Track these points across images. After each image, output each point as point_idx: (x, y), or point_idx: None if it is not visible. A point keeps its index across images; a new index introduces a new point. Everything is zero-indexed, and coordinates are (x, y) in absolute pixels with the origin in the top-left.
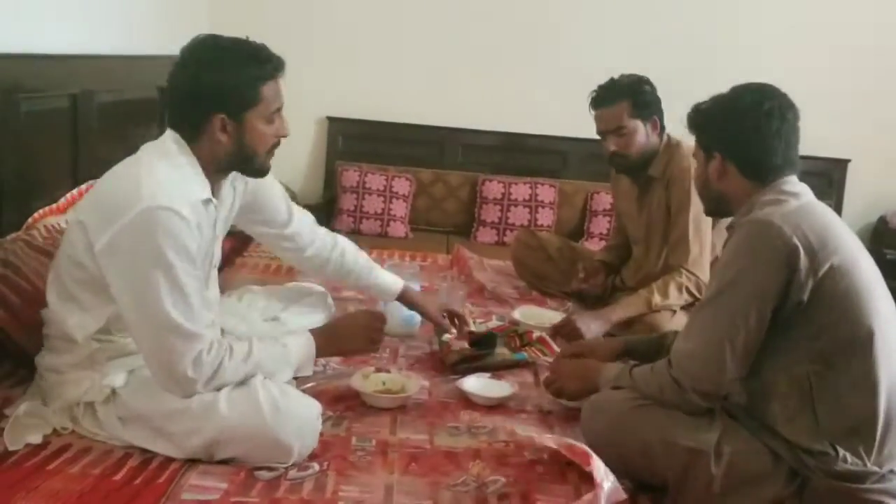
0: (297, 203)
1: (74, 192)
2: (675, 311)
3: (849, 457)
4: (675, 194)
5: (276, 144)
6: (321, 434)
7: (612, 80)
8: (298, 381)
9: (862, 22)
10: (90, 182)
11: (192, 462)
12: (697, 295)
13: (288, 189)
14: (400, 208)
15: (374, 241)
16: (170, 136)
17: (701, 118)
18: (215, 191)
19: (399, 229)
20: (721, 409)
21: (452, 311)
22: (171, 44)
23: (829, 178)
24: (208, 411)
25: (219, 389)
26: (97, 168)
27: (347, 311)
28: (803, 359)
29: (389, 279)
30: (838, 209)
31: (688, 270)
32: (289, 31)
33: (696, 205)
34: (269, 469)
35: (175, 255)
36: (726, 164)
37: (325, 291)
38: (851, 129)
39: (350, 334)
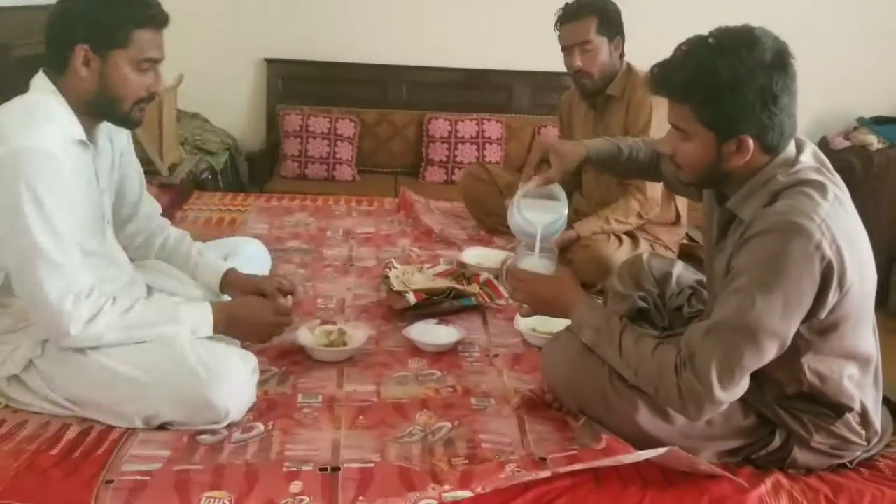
0: (240, 150)
1: None
2: (620, 243)
3: (854, 425)
4: (636, 117)
5: (148, 99)
6: (265, 392)
7: None
8: None
9: None
10: None
11: (132, 430)
12: (646, 218)
13: (229, 136)
14: (346, 151)
15: (321, 185)
16: (39, 76)
17: (716, 97)
18: (90, 137)
19: (346, 172)
20: None
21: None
22: None
23: None
24: (134, 379)
25: (96, 344)
26: None
27: (249, 299)
28: (800, 360)
29: (214, 264)
30: None
31: (643, 194)
32: None
33: (656, 130)
34: (212, 433)
35: (47, 192)
36: (752, 146)
37: (263, 245)
38: (793, 49)
39: (247, 325)
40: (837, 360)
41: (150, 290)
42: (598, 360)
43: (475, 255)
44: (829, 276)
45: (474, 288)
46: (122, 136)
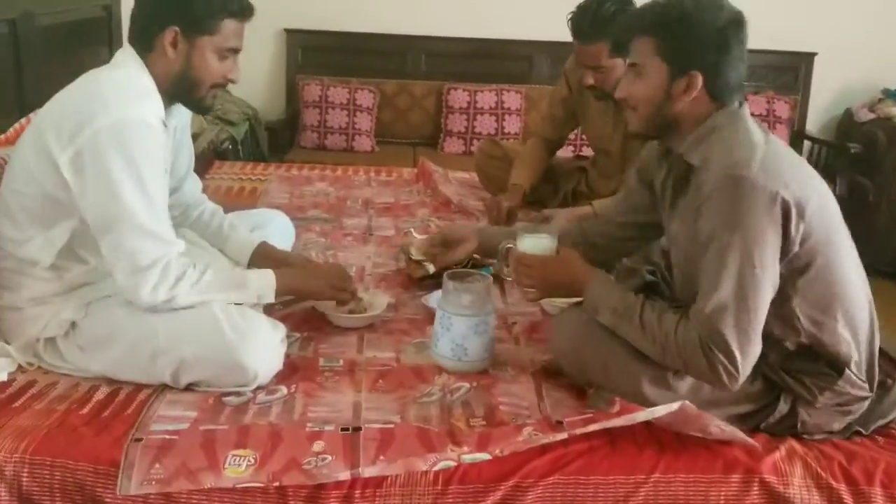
0: (260, 120)
1: (23, 120)
2: None
3: (855, 379)
4: None
5: (222, 86)
6: (288, 356)
7: (595, 6)
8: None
9: None
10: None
11: (159, 391)
12: None
13: (249, 106)
14: (364, 121)
15: (340, 156)
16: (128, 49)
17: (678, 28)
18: (166, 117)
19: (365, 143)
20: None
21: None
22: None
23: (795, 71)
24: (171, 336)
25: (173, 307)
26: (45, 95)
27: (314, 263)
28: (793, 305)
29: (245, 238)
30: (805, 103)
31: None
32: None
33: None
34: (237, 395)
35: (144, 163)
36: (700, 84)
37: (287, 218)
38: (817, 21)
39: (320, 279)
40: (826, 301)
41: None
42: (602, 336)
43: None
44: (786, 210)
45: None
46: (184, 114)
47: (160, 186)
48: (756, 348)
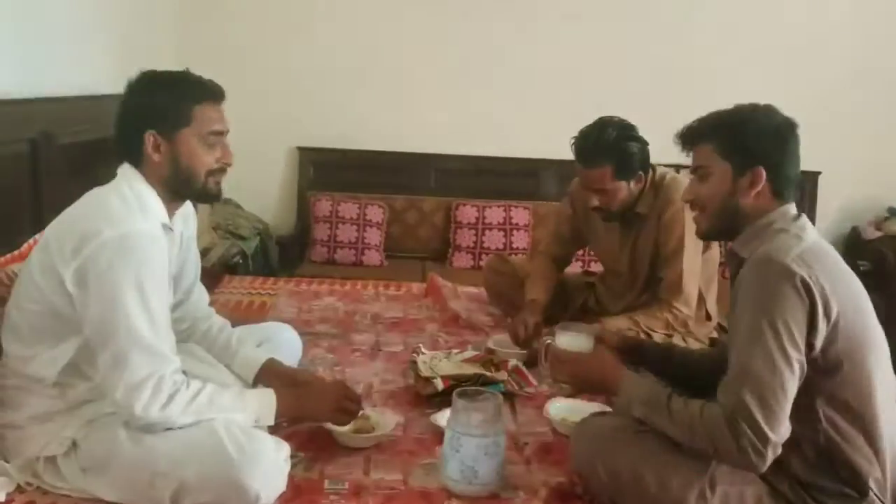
0: (271, 235)
1: (37, 236)
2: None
3: (876, 500)
4: (670, 233)
5: (221, 171)
6: (292, 478)
7: (596, 134)
8: None
9: (826, 42)
10: None
11: None
12: (680, 331)
13: (260, 221)
14: (374, 236)
15: (350, 270)
16: (124, 167)
17: (737, 129)
18: (172, 221)
19: (374, 257)
20: None
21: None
22: None
23: (800, 190)
24: (171, 457)
25: (166, 426)
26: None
27: (318, 380)
28: (816, 405)
29: (252, 354)
30: (811, 221)
31: (678, 308)
32: (255, 66)
33: (689, 242)
34: None
35: (147, 276)
36: (763, 179)
37: (295, 332)
38: (821, 142)
39: (317, 402)
40: (851, 410)
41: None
42: (630, 442)
43: (502, 342)
44: (812, 300)
45: (502, 375)
46: (192, 224)
47: (162, 301)
48: (783, 429)
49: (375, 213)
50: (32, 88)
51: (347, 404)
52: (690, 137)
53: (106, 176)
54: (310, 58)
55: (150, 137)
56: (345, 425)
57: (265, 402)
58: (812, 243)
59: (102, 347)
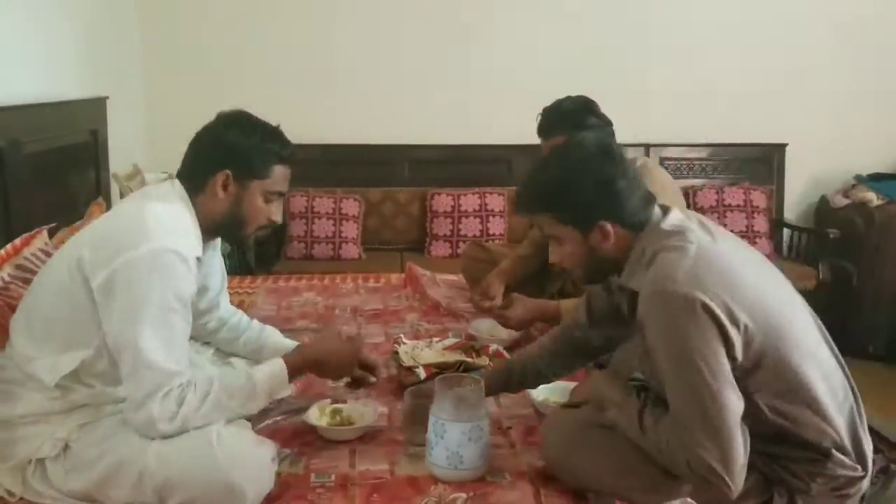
0: None
1: (8, 246)
2: None
3: (844, 459)
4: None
5: (266, 227)
6: (279, 474)
7: (554, 107)
8: (253, 419)
9: (789, 18)
10: (25, 234)
11: None
12: None
13: None
14: (351, 230)
15: (327, 264)
16: (176, 185)
17: (563, 198)
18: (203, 252)
19: (352, 251)
20: None
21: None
22: (101, 86)
23: (769, 162)
24: (159, 457)
25: (183, 430)
26: (32, 219)
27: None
28: (759, 405)
29: (282, 342)
30: (780, 192)
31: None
32: (224, 64)
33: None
34: None
35: (173, 297)
36: (611, 229)
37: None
38: (787, 114)
39: (335, 359)
40: (787, 392)
41: None
42: (598, 441)
43: (483, 327)
44: (717, 320)
45: (484, 360)
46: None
47: (184, 320)
48: (737, 445)
49: (351, 206)
50: None
51: (353, 364)
52: (526, 208)
53: (76, 181)
54: (280, 53)
55: (223, 175)
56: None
57: (276, 374)
58: (697, 249)
59: (119, 358)
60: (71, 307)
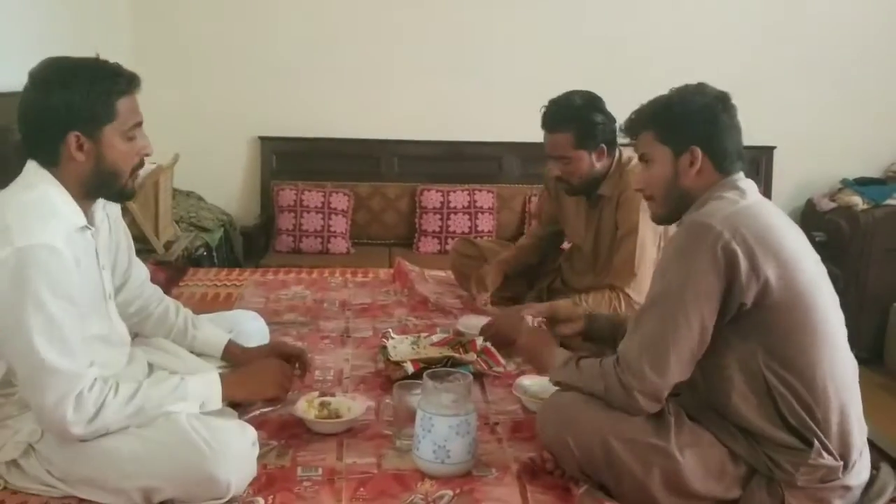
0: (235, 226)
1: None
2: None
3: (823, 452)
4: (625, 216)
5: (140, 164)
6: (265, 466)
7: (563, 100)
8: (239, 410)
9: (776, 22)
10: None
11: None
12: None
13: (224, 213)
14: (340, 224)
15: (316, 258)
16: (30, 166)
17: (668, 114)
18: (89, 217)
19: (340, 245)
20: (677, 409)
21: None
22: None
23: (756, 164)
24: (136, 457)
25: (102, 434)
26: None
27: (259, 361)
28: (756, 354)
29: (212, 335)
30: (767, 194)
31: (625, 293)
32: (215, 56)
33: (644, 228)
34: None
35: (50, 293)
36: (700, 157)
37: (262, 320)
38: (775, 117)
39: (263, 379)
40: (789, 363)
41: (151, 367)
42: (595, 412)
43: (470, 323)
44: (735, 262)
45: (471, 356)
46: (115, 206)
47: (70, 315)
48: (671, 375)
49: (340, 200)
50: None
51: (284, 381)
52: (632, 127)
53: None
54: (269, 47)
55: (73, 137)
56: (280, 400)
57: (209, 385)
58: (745, 206)
59: (16, 367)
60: None
